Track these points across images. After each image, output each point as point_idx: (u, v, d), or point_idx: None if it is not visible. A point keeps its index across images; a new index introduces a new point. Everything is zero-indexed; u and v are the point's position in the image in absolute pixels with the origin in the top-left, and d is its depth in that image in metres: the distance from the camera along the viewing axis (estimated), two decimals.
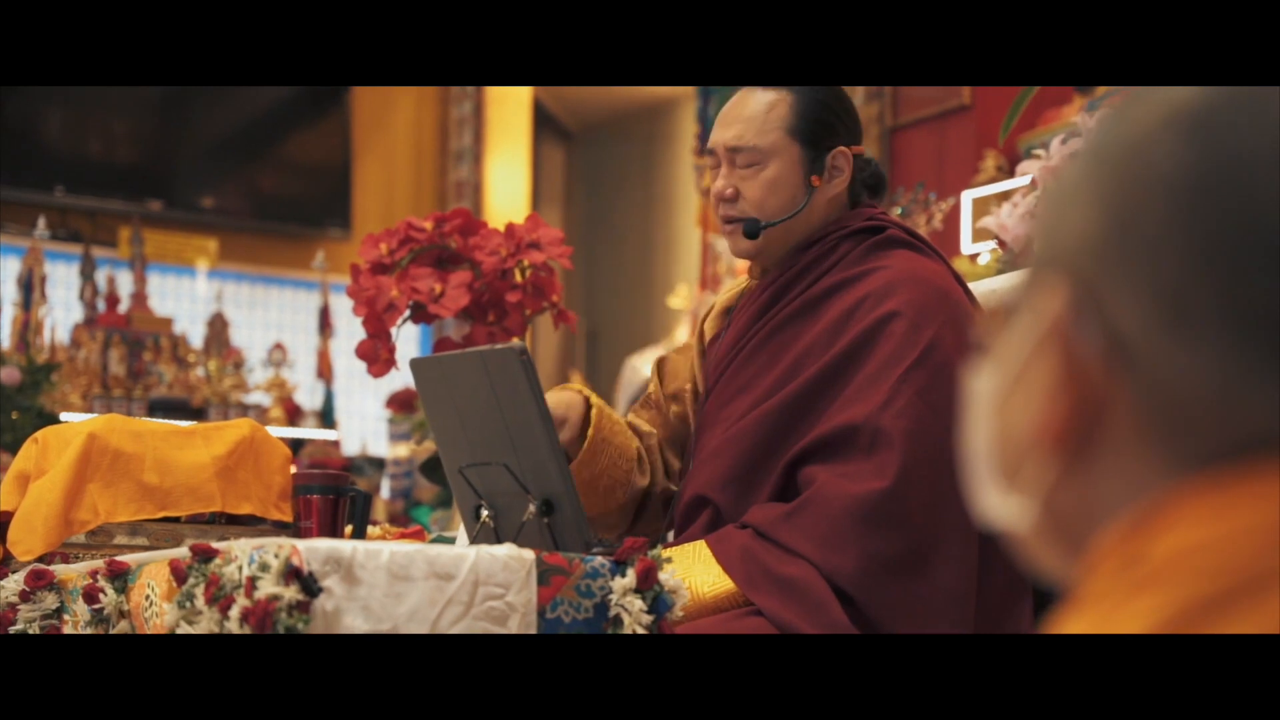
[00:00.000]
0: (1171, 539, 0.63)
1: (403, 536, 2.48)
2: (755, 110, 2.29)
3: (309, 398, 6.77)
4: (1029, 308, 0.69)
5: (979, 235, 3.37)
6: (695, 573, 2.05)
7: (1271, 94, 0.65)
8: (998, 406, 0.70)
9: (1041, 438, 0.68)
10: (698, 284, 6.99)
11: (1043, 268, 0.69)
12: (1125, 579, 0.64)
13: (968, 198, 3.58)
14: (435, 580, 1.68)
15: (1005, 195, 3.21)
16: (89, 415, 5.09)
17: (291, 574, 1.59)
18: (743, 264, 3.60)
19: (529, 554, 1.75)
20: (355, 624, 1.63)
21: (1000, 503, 0.71)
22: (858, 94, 5.38)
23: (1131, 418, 0.66)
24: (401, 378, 3.33)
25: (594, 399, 2.37)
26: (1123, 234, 0.65)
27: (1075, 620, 0.65)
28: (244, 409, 5.88)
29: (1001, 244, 2.93)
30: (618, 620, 1.76)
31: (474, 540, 2.11)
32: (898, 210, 3.76)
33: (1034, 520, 0.70)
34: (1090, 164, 0.68)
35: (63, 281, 6.60)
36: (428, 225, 2.91)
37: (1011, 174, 4.14)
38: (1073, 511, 0.68)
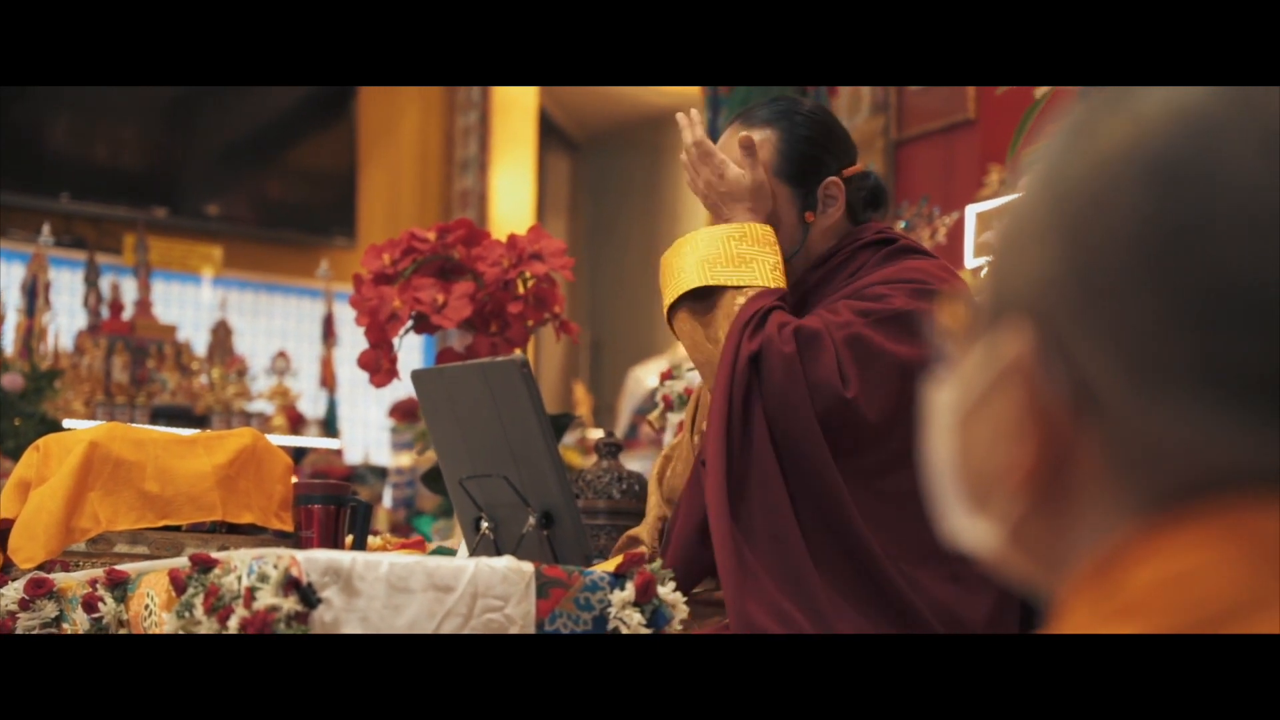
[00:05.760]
0: (1148, 571, 0.63)
1: (403, 547, 2.48)
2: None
3: (312, 406, 6.78)
4: (987, 341, 0.69)
5: (982, 250, 3.37)
6: None
7: (1235, 117, 0.64)
8: (957, 425, 0.70)
9: (1009, 478, 0.68)
10: None
11: (1002, 304, 0.68)
12: (1103, 609, 0.64)
13: (971, 212, 3.58)
14: (434, 592, 1.68)
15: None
16: (92, 422, 5.09)
17: (290, 585, 1.59)
18: None
19: (528, 566, 1.75)
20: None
21: (967, 525, 0.71)
22: (863, 107, 5.38)
23: (1099, 461, 0.65)
24: (404, 387, 3.33)
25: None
26: (1087, 282, 0.64)
27: None
28: (247, 417, 5.88)
29: None
30: (616, 633, 1.76)
31: (473, 552, 2.11)
32: (901, 224, 3.77)
33: (1001, 545, 0.70)
34: (1048, 201, 0.67)
35: (67, 288, 6.60)
36: (430, 236, 2.92)
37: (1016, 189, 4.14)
38: (1041, 541, 0.69)
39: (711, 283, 2.22)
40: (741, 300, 2.18)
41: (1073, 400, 0.65)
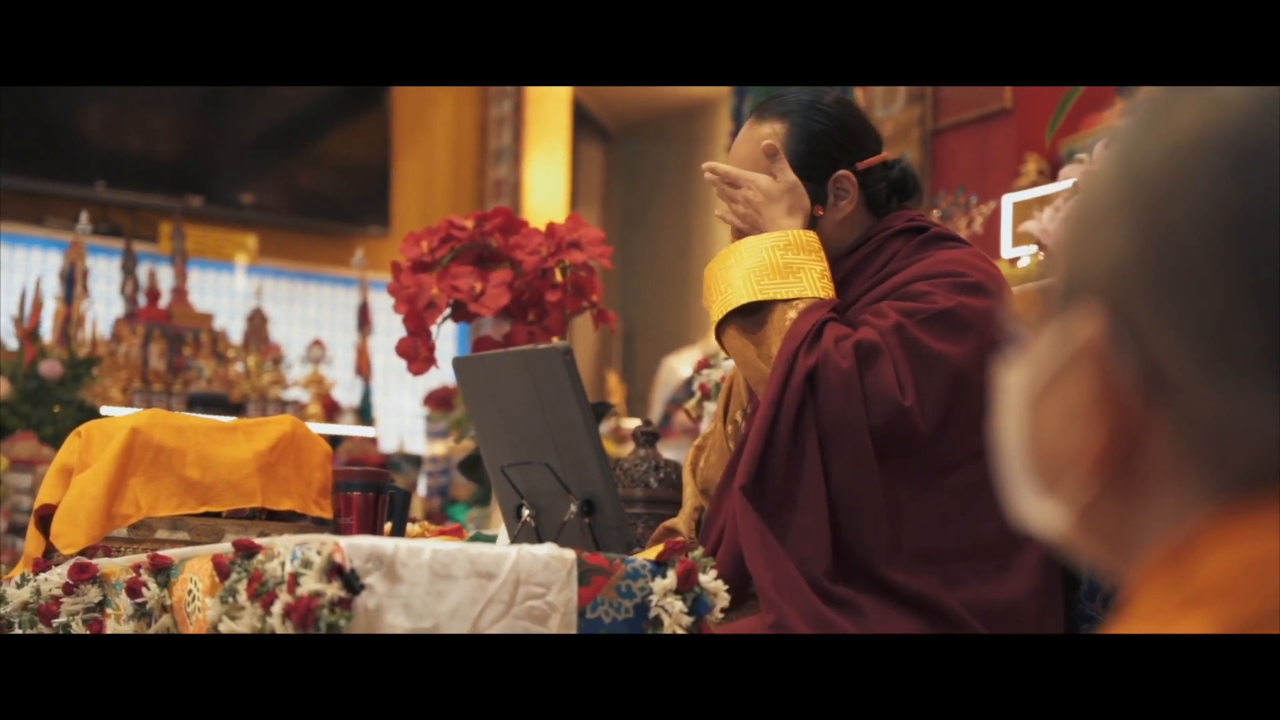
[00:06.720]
0: (1219, 558, 0.63)
1: (441, 534, 2.49)
2: (750, 151, 2.29)
3: (347, 394, 6.80)
4: (1059, 323, 0.69)
5: (1019, 239, 3.36)
6: None
7: None
8: (1028, 407, 0.70)
9: (1080, 460, 0.67)
10: None
11: (1075, 286, 0.68)
12: (1174, 597, 0.64)
13: (1008, 201, 3.56)
14: (477, 579, 1.68)
15: (1046, 199, 3.20)
16: (129, 409, 5.12)
17: (334, 571, 1.60)
18: None
19: (570, 554, 1.75)
20: (396, 622, 1.63)
21: (1037, 506, 0.71)
22: (899, 97, 5.36)
23: (1171, 446, 0.65)
24: (439, 375, 3.34)
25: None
26: (1161, 266, 0.64)
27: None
28: (282, 405, 5.90)
29: (1042, 248, 2.92)
30: (658, 621, 1.76)
31: (515, 539, 2.11)
32: (937, 213, 3.75)
33: (1071, 527, 0.70)
34: (1123, 182, 0.67)
35: (104, 276, 6.64)
36: (469, 224, 2.92)
37: (1053, 178, 4.13)
38: (1111, 525, 0.68)
39: (761, 298, 2.18)
40: (793, 314, 2.15)
41: (1144, 383, 0.65)
